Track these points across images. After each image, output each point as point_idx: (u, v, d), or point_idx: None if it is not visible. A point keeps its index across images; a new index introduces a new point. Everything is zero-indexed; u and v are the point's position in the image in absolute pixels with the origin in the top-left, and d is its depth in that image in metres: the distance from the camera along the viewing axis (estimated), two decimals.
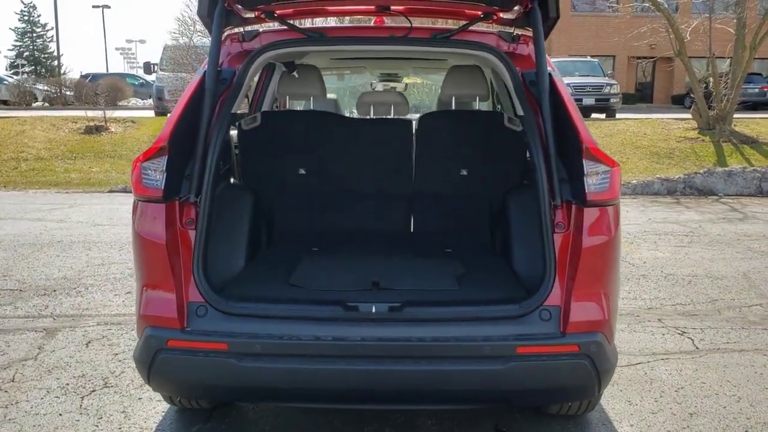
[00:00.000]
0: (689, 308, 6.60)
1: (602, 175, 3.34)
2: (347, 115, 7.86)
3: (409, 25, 3.98)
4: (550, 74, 3.65)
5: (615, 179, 3.37)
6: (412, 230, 4.82)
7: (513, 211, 4.18)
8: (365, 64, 6.35)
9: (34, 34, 77.50)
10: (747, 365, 5.16)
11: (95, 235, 9.66)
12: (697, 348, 5.53)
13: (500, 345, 3.24)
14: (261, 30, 4.10)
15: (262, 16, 4.09)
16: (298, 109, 6.18)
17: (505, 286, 3.70)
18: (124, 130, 20.95)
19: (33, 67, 74.05)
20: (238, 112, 5.36)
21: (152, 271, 3.47)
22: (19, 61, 74.63)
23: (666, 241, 9.53)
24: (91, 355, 5.30)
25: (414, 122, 4.83)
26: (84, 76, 39.02)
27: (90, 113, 22.06)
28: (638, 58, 37.78)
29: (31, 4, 79.46)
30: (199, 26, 22.44)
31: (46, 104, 33.67)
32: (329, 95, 6.57)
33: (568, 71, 25.46)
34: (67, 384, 4.75)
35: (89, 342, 5.57)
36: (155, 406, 4.42)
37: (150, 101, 31.80)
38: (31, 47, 77.87)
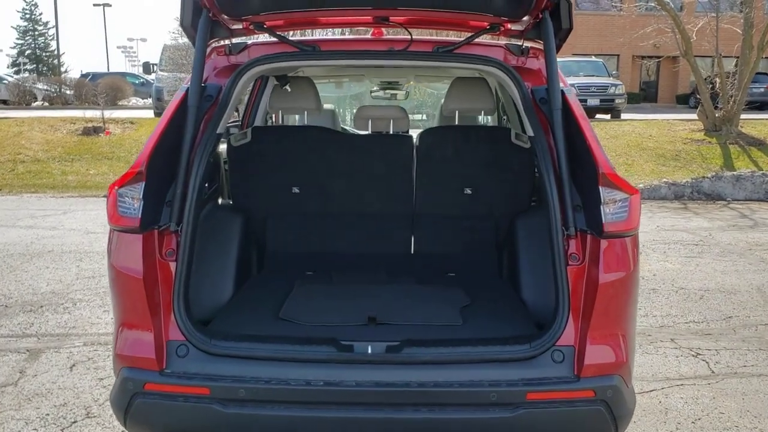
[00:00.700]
0: (703, 326, 6.31)
1: (620, 203, 3.06)
2: (347, 126, 7.59)
3: (410, 37, 3.69)
4: (562, 91, 3.36)
5: (634, 208, 3.09)
6: (412, 252, 4.54)
7: (522, 236, 3.91)
8: (364, 72, 6.06)
9: (36, 32, 77.31)
10: (767, 392, 4.88)
11: (87, 244, 9.39)
12: (713, 372, 5.25)
13: (508, 391, 2.96)
14: (250, 42, 3.81)
15: (251, 27, 3.79)
16: (293, 123, 5.90)
17: (514, 321, 3.43)
18: (122, 131, 20.69)
19: (35, 65, 73.91)
20: (230, 124, 5.09)
21: (129, 307, 3.20)
22: (20, 60, 74.52)
23: (675, 251, 9.24)
24: (75, 380, 5.02)
25: (414, 138, 4.54)
26: (84, 75, 38.76)
27: (88, 114, 21.82)
28: (642, 57, 37.57)
29: (33, 2, 79.36)
30: None
31: (46, 104, 33.42)
32: (326, 106, 6.29)
33: (572, 71, 25.14)
34: (47, 414, 4.48)
35: (74, 365, 5.30)
36: None
37: (150, 101, 31.55)
38: (32, 45, 77.71)
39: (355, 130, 4.98)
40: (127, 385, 3.09)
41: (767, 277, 8.03)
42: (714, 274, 8.09)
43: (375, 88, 7.02)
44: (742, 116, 20.21)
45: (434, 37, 3.95)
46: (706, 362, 5.44)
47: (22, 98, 32.91)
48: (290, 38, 3.77)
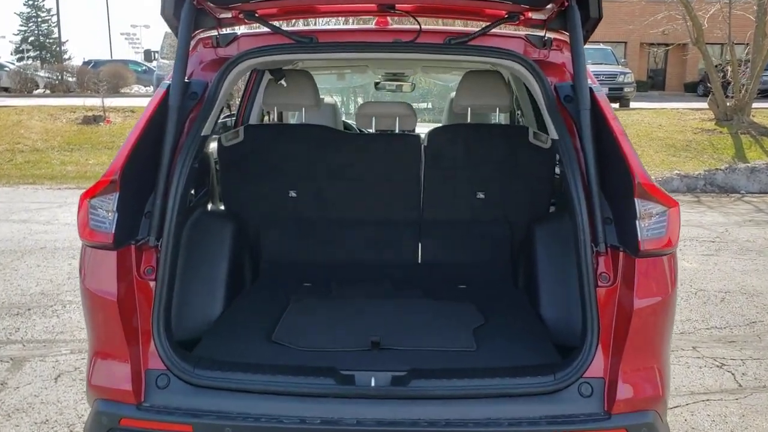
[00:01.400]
0: (726, 333, 5.97)
1: (657, 217, 2.70)
2: (349, 120, 7.20)
3: (418, 27, 3.32)
4: (591, 89, 3.00)
5: (673, 223, 2.73)
6: (419, 261, 4.19)
7: (540, 245, 3.55)
8: (368, 63, 5.69)
9: (39, 19, 76.83)
10: None
11: None
12: (740, 386, 4.90)
13: (530, 431, 2.62)
14: (239, 33, 3.44)
15: (241, 16, 3.42)
16: (292, 120, 5.53)
17: (534, 346, 3.08)
18: (123, 120, 20.33)
19: (38, 52, 73.53)
20: (223, 119, 4.73)
21: (103, 332, 2.87)
22: (24, 47, 74.11)
23: (692, 249, 8.88)
24: (59, 393, 4.70)
25: (423, 137, 4.17)
26: (86, 63, 38.34)
27: (89, 102, 21.47)
28: (651, 44, 37.02)
29: None
30: None
31: (48, 91, 33.04)
32: (326, 99, 5.91)
33: None
34: None
35: (59, 376, 4.98)
36: None
37: (152, 89, 31.12)
38: (36, 32, 77.26)
39: (356, 126, 4.59)
40: (101, 420, 2.77)
41: None
42: (734, 274, 7.73)
43: (378, 80, 6.64)
44: (754, 105, 19.78)
45: (445, 27, 3.54)
46: (732, 374, 5.09)
47: (24, 86, 32.50)
48: (285, 29, 3.40)
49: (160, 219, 2.88)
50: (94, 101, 21.43)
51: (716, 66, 20.59)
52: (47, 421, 4.32)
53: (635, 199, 2.68)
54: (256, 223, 4.16)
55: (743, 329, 6.05)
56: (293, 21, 8.40)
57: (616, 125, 2.89)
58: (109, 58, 49.15)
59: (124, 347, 2.81)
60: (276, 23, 3.43)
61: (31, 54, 71.90)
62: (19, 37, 76.35)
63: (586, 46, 3.13)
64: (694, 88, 36.39)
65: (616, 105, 24.23)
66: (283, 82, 4.00)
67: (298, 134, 4.15)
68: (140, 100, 25.88)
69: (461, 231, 4.16)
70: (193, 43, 3.28)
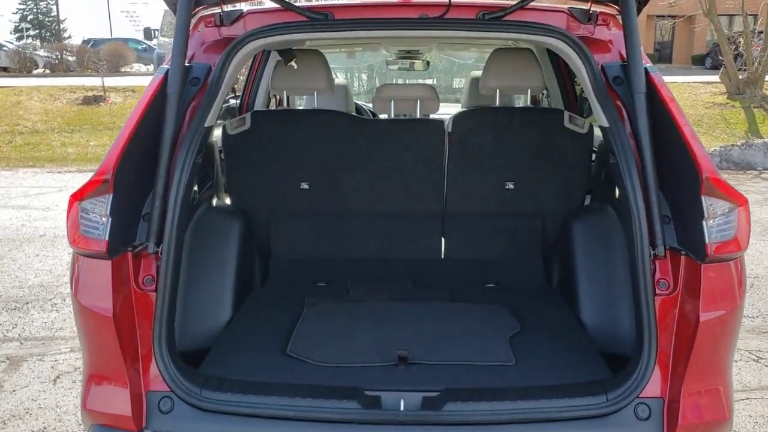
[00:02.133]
0: (759, 323, 5.67)
1: (725, 217, 2.39)
2: (359, 102, 6.83)
3: (448, 0, 2.96)
4: (646, 69, 2.67)
5: (743, 222, 2.42)
6: (442, 257, 3.88)
7: (579, 241, 3.24)
8: (381, 41, 5.34)
9: None
10: None
11: None
12: None
13: None
14: (245, 10, 3.10)
15: None
16: (299, 104, 5.17)
17: (579, 358, 2.78)
18: (124, 100, 20.01)
19: (37, 30, 72.82)
20: (229, 104, 4.39)
21: (98, 351, 2.58)
22: (23, 25, 73.38)
23: None
24: (58, 397, 4.43)
25: (446, 122, 3.83)
26: (86, 42, 37.87)
27: (89, 82, 21.14)
28: (659, 16, 36.35)
29: None
30: None
31: (47, 71, 32.62)
32: (337, 81, 5.55)
33: None
34: None
35: (58, 377, 4.71)
36: None
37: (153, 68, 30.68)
38: (35, 10, 76.43)
39: (372, 109, 4.24)
40: None
41: None
42: (760, 258, 7.42)
43: (391, 58, 6.28)
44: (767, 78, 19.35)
45: (477, 0, 3.17)
46: None
47: (23, 65, 32.08)
48: (297, 4, 3.05)
49: (159, 222, 2.58)
50: (94, 81, 21.10)
51: (728, 38, 20.14)
52: (45, 429, 4.05)
53: (702, 197, 2.37)
54: (265, 218, 3.85)
55: None
56: None
57: (677, 111, 2.56)
58: (109, 36, 48.62)
59: (122, 367, 2.52)
60: None
61: (31, 33, 71.20)
62: (18, 16, 75.57)
63: None
64: (701, 61, 35.83)
65: None
66: (293, 63, 3.66)
67: (310, 121, 3.82)
68: (141, 79, 25.49)
69: (488, 224, 3.84)
70: (193, 21, 2.96)
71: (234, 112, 4.82)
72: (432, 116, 4.29)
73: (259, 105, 4.95)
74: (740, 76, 18.86)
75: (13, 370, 4.81)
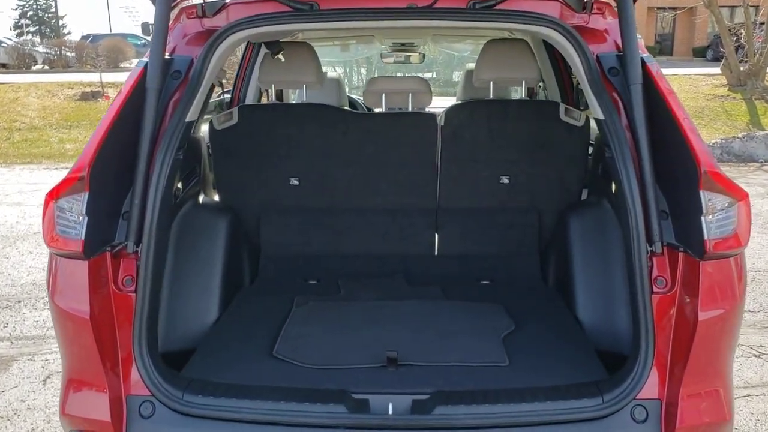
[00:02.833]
0: (761, 317, 5.59)
1: (725, 212, 2.31)
2: (353, 96, 6.73)
3: None
4: (643, 60, 2.58)
5: (743, 218, 2.34)
6: (436, 253, 3.79)
7: (576, 237, 3.17)
8: (374, 33, 5.23)
9: None
10: None
11: None
12: None
13: None
14: (228, 1, 3.00)
15: None
16: (292, 98, 5.07)
17: (574, 358, 2.70)
18: None
19: (37, 27, 72.70)
20: (218, 99, 4.31)
21: (76, 354, 2.52)
22: (23, 21, 73.22)
23: None
24: (47, 397, 4.35)
25: (439, 116, 3.75)
26: (84, 37, 37.72)
27: (87, 78, 21.07)
28: (659, 8, 36.22)
29: None
30: None
31: (47, 67, 32.52)
32: (330, 74, 5.45)
33: None
34: None
35: (48, 377, 4.64)
36: None
37: None
38: (34, 6, 76.26)
39: (364, 103, 4.14)
40: None
41: None
42: (762, 251, 7.33)
43: (386, 51, 6.17)
44: None
45: None
46: None
47: (22, 62, 31.98)
48: None
49: (139, 221, 2.50)
50: (92, 77, 21.02)
51: (729, 29, 20.02)
52: (33, 430, 3.98)
53: (700, 192, 2.29)
54: (254, 215, 3.77)
55: None
56: None
57: (676, 103, 2.47)
58: (108, 32, 48.47)
59: (101, 371, 2.45)
60: None
61: (31, 29, 71.04)
62: (17, 12, 75.40)
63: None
64: (703, 53, 35.68)
65: None
66: (280, 56, 3.57)
67: (299, 115, 3.73)
68: None
69: (483, 220, 3.76)
70: (174, 12, 2.87)
71: (225, 107, 4.73)
72: (428, 109, 4.21)
73: (250, 99, 4.86)
74: (741, 68, 18.74)
75: (2, 370, 4.74)
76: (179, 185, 3.06)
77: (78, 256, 2.38)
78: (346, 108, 3.92)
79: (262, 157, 3.66)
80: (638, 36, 2.64)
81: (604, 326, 2.88)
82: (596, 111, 2.66)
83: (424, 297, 3.35)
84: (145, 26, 29.53)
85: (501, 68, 3.61)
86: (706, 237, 2.28)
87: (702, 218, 2.28)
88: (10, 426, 4.03)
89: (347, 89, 6.71)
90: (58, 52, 33.67)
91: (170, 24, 2.92)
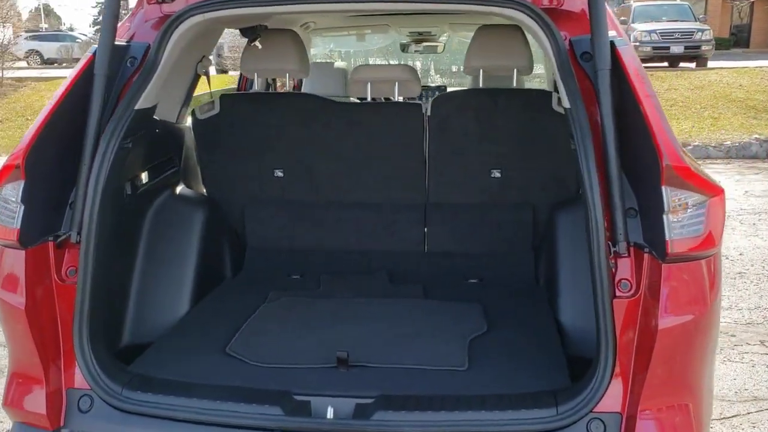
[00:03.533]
0: None
1: (693, 210, 2.09)
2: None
3: None
4: (612, 42, 2.36)
5: (715, 216, 2.11)
6: (425, 251, 3.63)
7: (563, 235, 2.97)
8: (388, 21, 5.06)
9: None
10: None
11: None
12: None
13: None
14: None
15: None
16: (308, 89, 4.90)
17: (540, 364, 2.51)
18: None
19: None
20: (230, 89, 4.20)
21: (17, 345, 2.45)
22: (101, 18, 75.46)
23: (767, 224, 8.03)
24: None
25: (426, 106, 3.57)
26: None
27: None
28: None
29: None
30: None
31: None
32: (338, 64, 5.31)
33: (655, 16, 23.33)
34: None
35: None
36: None
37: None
38: None
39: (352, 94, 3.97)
40: None
41: None
42: None
43: (405, 41, 5.98)
44: None
45: None
46: None
47: None
48: None
49: (82, 210, 2.42)
50: None
51: None
52: None
53: (662, 187, 2.07)
54: (239, 207, 3.67)
55: None
56: None
57: (643, 88, 2.24)
58: None
59: (38, 364, 2.39)
60: None
61: None
62: (96, 9, 77.79)
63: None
64: None
65: (692, 64, 22.85)
66: (257, 43, 3.45)
67: (282, 104, 3.59)
68: None
69: (473, 216, 3.57)
70: None
71: None
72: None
73: (257, 88, 4.77)
74: None
75: None
76: (143, 175, 2.98)
77: (14, 245, 2.32)
78: (325, 97, 3.75)
79: (245, 148, 3.56)
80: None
81: (585, 331, 2.67)
82: (563, 99, 2.45)
83: (402, 295, 3.20)
84: None
85: (491, 55, 3.41)
86: (667, 237, 2.06)
87: (664, 216, 2.07)
88: None
89: None
90: None
91: (134, 9, 2.83)
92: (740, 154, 12.63)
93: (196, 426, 2.26)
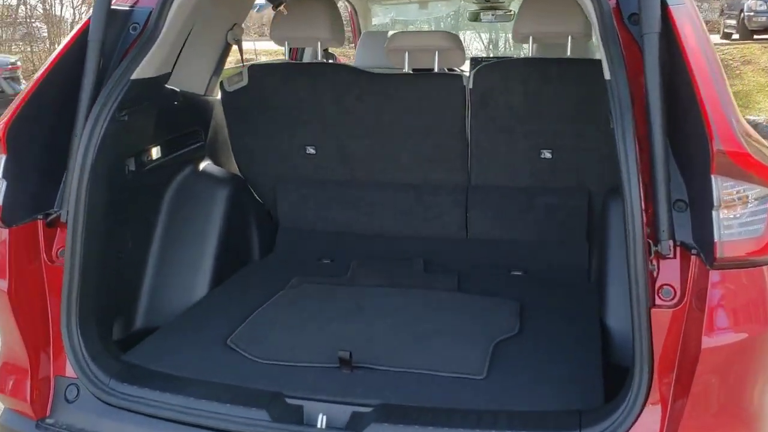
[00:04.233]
0: None
1: (754, 205, 1.74)
2: None
3: None
4: (664, 2, 1.99)
5: None
6: (467, 237, 3.31)
7: (614, 227, 2.59)
8: None
9: None
10: None
11: None
12: None
13: None
14: None
15: None
16: (368, 62, 4.57)
17: (573, 377, 2.19)
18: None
19: None
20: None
21: (4, 330, 2.30)
22: None
23: None
24: None
25: (467, 77, 3.23)
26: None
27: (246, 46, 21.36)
28: None
29: None
30: None
31: None
32: (392, 33, 4.95)
33: None
34: None
35: None
36: None
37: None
38: None
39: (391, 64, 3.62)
40: None
41: None
42: None
43: (474, 8, 5.57)
44: None
45: None
46: None
47: None
48: None
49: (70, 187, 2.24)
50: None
51: None
52: None
53: (712, 177, 1.72)
54: (271, 185, 3.45)
55: None
56: None
57: (699, 58, 1.87)
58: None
59: (23, 349, 2.23)
60: None
61: None
62: None
63: None
64: None
65: None
66: (283, 9, 3.19)
67: (311, 75, 3.31)
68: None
69: (521, 201, 3.21)
70: None
71: None
72: None
73: (307, 58, 4.51)
74: None
75: None
76: (155, 150, 2.78)
77: None
78: (358, 68, 3.45)
79: (275, 123, 3.32)
80: None
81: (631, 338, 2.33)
82: (604, 68, 2.08)
83: (434, 287, 2.92)
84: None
85: (542, 20, 3.02)
86: (716, 238, 1.71)
87: (713, 213, 1.72)
88: None
89: None
90: None
91: None
92: None
93: (176, 425, 2.06)
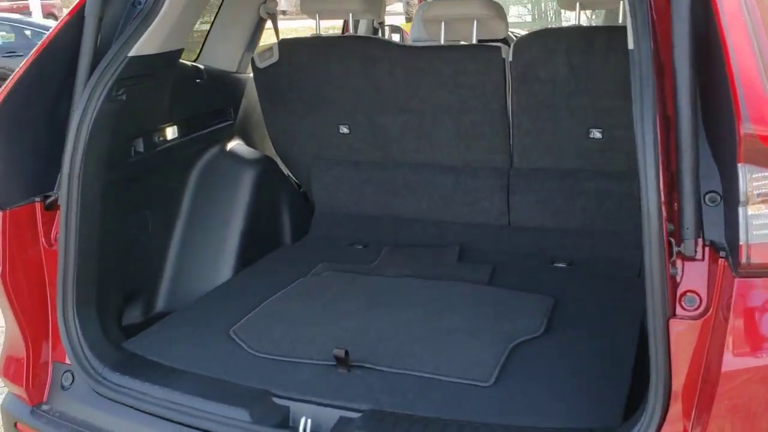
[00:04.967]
0: None
1: None
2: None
3: None
4: None
5: None
6: (508, 223, 3.09)
7: None
8: None
9: None
10: None
11: None
12: None
13: None
14: None
15: None
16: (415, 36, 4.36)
17: (591, 387, 1.97)
18: None
19: None
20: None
21: (5, 314, 2.26)
22: None
23: None
24: None
25: (507, 49, 2.95)
26: None
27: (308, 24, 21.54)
28: None
29: None
30: None
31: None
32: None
33: None
34: None
35: None
36: None
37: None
38: None
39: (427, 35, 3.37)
40: (5, 418, 2.27)
41: None
42: None
43: None
44: None
45: None
46: None
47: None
48: None
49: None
50: (330, 23, 21.41)
51: None
52: None
53: (738, 165, 1.45)
54: (306, 167, 3.32)
55: None
56: None
57: (736, 25, 1.58)
58: None
59: (20, 334, 2.20)
60: None
61: None
62: None
63: None
64: None
65: None
66: None
67: (341, 49, 3.12)
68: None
69: (568, 185, 2.94)
70: None
71: None
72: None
73: (361, 33, 4.33)
74: None
75: None
76: (169, 130, 2.68)
77: None
78: (387, 39, 3.26)
79: (307, 100, 3.16)
80: None
81: None
82: (629, 37, 1.80)
83: (463, 279, 2.72)
84: None
85: None
86: (742, 240, 1.45)
87: (739, 209, 1.45)
88: None
89: None
90: None
91: None
92: None
93: (158, 420, 1.99)
